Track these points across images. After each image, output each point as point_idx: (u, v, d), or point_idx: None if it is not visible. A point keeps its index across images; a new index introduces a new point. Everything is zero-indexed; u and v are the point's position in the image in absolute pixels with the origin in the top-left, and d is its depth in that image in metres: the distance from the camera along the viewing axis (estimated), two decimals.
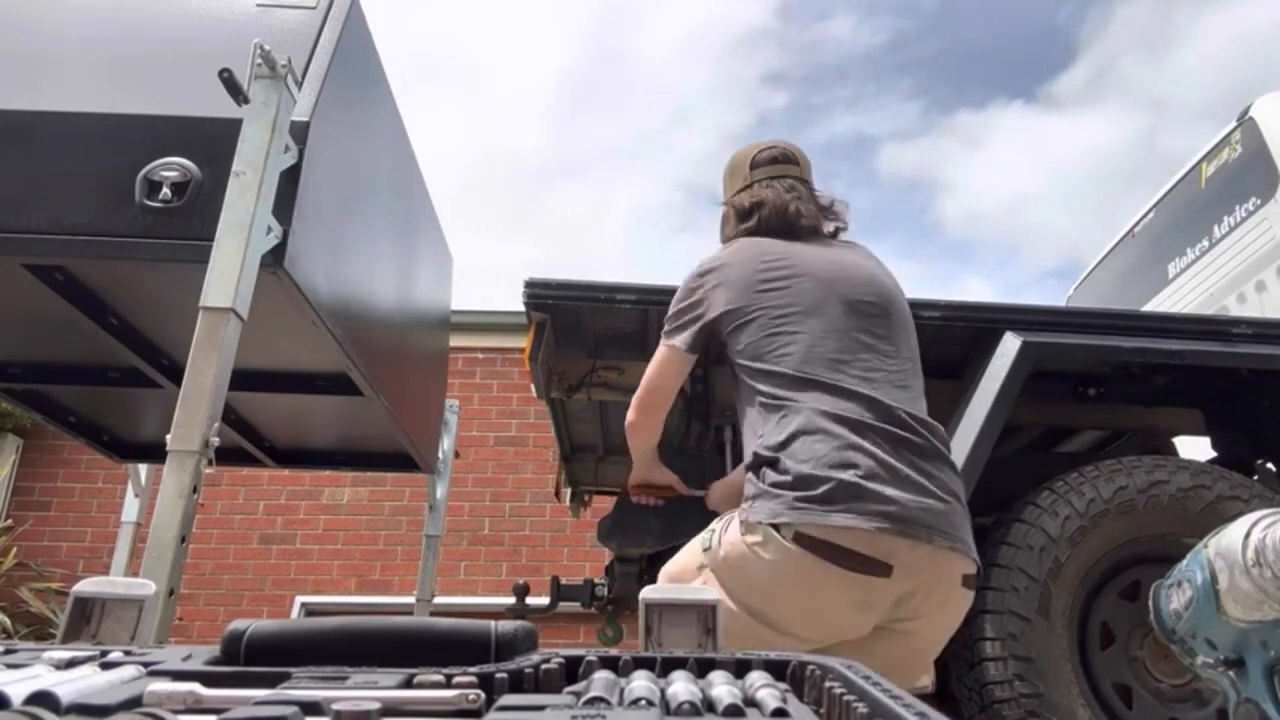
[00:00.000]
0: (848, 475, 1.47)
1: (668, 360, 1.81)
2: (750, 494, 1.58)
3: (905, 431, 1.55)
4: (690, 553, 1.73)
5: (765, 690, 0.48)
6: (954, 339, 2.39)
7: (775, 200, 1.85)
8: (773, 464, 1.55)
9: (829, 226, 1.89)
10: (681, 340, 1.78)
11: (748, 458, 1.64)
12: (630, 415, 1.90)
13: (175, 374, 2.33)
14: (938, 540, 1.48)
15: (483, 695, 0.45)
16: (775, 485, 1.52)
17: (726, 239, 1.91)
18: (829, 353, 1.62)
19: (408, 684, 0.48)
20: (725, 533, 1.61)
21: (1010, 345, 2.28)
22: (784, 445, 1.54)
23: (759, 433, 1.61)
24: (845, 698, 0.45)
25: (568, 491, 3.47)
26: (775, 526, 1.50)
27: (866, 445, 1.51)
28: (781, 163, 1.92)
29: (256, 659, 0.55)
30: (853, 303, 1.69)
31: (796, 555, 1.48)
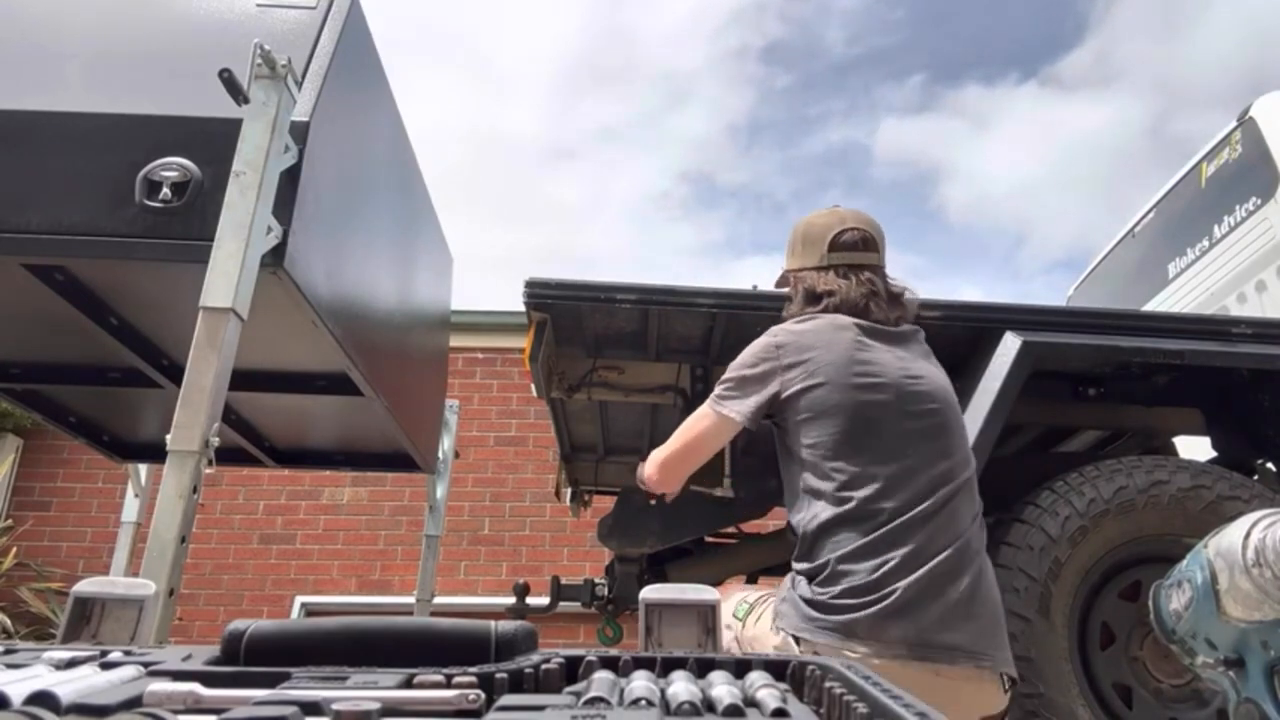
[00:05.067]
0: (876, 607, 1.50)
1: (715, 428, 1.76)
2: (784, 596, 1.64)
3: (942, 554, 1.56)
4: (726, 605, 1.77)
5: (765, 690, 0.48)
6: (954, 339, 2.39)
7: (848, 294, 1.80)
8: (810, 576, 1.60)
9: (893, 315, 1.83)
10: (738, 410, 1.72)
11: (796, 543, 1.68)
12: (650, 472, 1.86)
13: (175, 374, 2.33)
14: (960, 662, 1.49)
15: (483, 695, 0.45)
16: (805, 600, 1.57)
17: (790, 315, 1.85)
18: (882, 484, 1.61)
19: (408, 684, 0.48)
20: (757, 618, 1.69)
21: (1010, 345, 2.28)
22: (823, 563, 1.58)
23: (805, 529, 1.64)
24: (845, 698, 0.45)
25: (568, 491, 3.47)
26: (796, 639, 1.55)
27: (903, 577, 1.52)
28: (862, 249, 1.86)
29: (256, 659, 0.55)
30: (920, 419, 1.69)
31: None
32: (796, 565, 1.65)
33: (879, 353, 1.73)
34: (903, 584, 1.51)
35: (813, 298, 1.84)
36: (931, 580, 1.53)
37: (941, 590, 1.53)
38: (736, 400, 1.74)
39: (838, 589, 1.53)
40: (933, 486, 1.63)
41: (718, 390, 1.78)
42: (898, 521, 1.57)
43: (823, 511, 1.62)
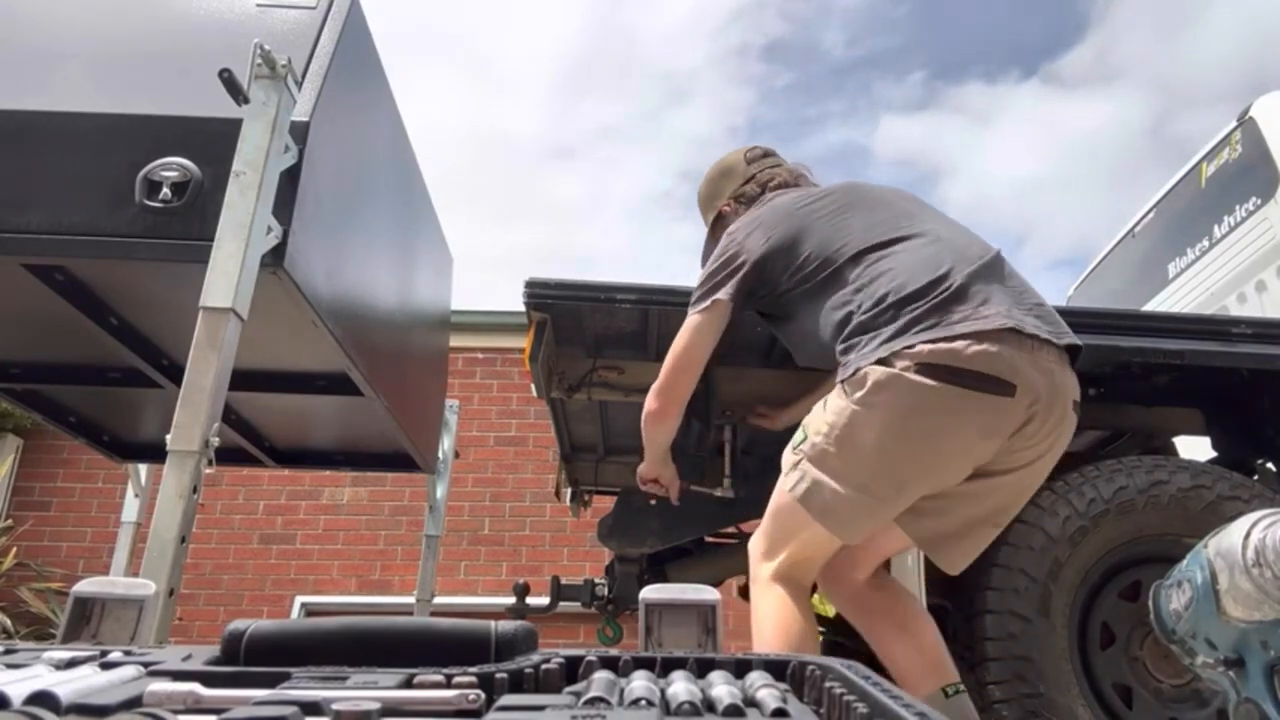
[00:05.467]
0: (947, 290, 1.50)
1: (704, 323, 1.76)
2: (851, 347, 1.56)
3: (981, 259, 1.59)
4: (783, 466, 1.68)
5: (765, 690, 0.48)
6: None
7: (786, 175, 1.95)
8: (875, 307, 1.54)
9: None
10: (724, 292, 1.73)
11: (842, 330, 1.61)
12: (652, 402, 1.86)
13: (175, 374, 2.32)
14: (1043, 335, 1.50)
15: (483, 695, 0.45)
16: (880, 327, 1.51)
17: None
18: (886, 225, 1.66)
19: (408, 684, 0.48)
20: (822, 412, 1.59)
21: None
22: (882, 295, 1.54)
23: (845, 317, 1.59)
24: (845, 698, 0.45)
25: (568, 491, 3.46)
26: (886, 362, 1.48)
27: (954, 268, 1.54)
28: (774, 155, 2.03)
29: (256, 659, 0.55)
30: (885, 195, 1.78)
31: (916, 385, 1.45)
32: (851, 327, 1.57)
33: (821, 188, 1.86)
34: (966, 272, 1.53)
35: (754, 198, 1.95)
36: (990, 271, 1.57)
37: (1003, 280, 1.58)
38: (713, 292, 1.76)
39: (907, 292, 1.51)
40: (941, 219, 1.70)
41: (694, 299, 1.80)
42: (926, 238, 1.60)
43: (852, 277, 1.60)
